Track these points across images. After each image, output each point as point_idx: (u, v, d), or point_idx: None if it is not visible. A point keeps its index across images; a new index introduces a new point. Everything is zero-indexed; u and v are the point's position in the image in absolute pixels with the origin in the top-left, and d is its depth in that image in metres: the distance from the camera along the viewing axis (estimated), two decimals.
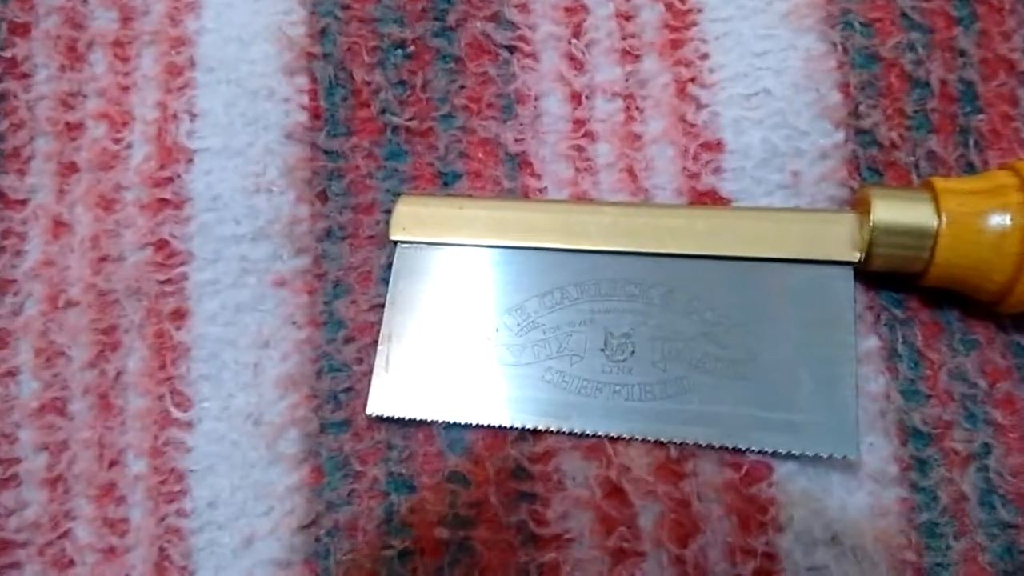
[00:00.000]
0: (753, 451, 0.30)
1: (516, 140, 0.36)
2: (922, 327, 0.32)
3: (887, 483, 0.31)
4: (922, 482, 0.31)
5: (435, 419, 0.32)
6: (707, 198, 0.34)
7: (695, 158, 0.35)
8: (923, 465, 0.31)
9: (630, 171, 0.36)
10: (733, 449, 0.30)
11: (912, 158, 0.34)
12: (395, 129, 0.36)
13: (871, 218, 0.30)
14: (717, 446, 0.30)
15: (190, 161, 0.37)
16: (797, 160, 0.34)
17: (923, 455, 0.31)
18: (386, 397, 0.33)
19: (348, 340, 0.34)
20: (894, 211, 0.30)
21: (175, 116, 0.37)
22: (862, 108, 0.34)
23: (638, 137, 0.36)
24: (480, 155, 0.36)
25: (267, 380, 0.34)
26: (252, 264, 0.35)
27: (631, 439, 0.31)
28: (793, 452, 0.30)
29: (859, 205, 0.32)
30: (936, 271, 0.30)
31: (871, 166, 0.34)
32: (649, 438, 0.31)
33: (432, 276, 0.34)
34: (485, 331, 0.33)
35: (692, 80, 0.36)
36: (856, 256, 0.31)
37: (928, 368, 0.32)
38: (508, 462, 0.32)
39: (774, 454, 0.30)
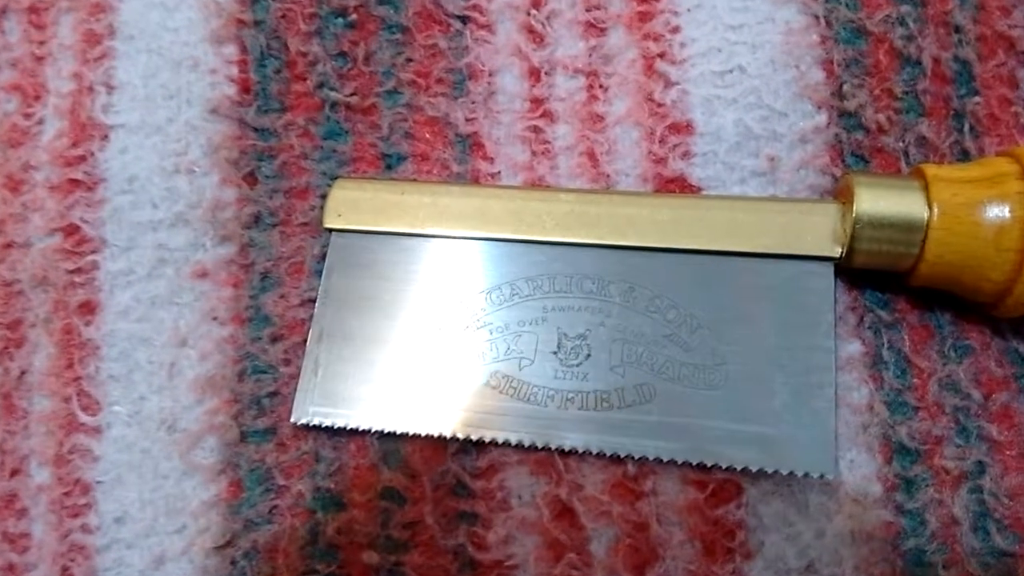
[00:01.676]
0: (720, 468, 0.27)
1: (467, 120, 0.33)
2: (910, 331, 0.30)
3: (869, 505, 0.28)
4: (908, 504, 0.28)
5: (368, 428, 0.29)
6: (674, 185, 0.32)
7: (662, 141, 0.32)
8: (910, 485, 0.28)
9: (591, 155, 0.33)
10: (698, 466, 0.28)
11: (901, 144, 0.32)
12: (333, 105, 0.33)
13: (854, 209, 0.28)
14: (680, 462, 0.28)
15: (105, 138, 0.34)
16: (774, 144, 0.32)
17: (910, 474, 0.28)
18: (314, 403, 0.30)
19: (275, 339, 0.31)
20: (880, 201, 0.28)
21: (91, 89, 0.34)
22: (846, 88, 0.32)
23: (601, 118, 0.33)
24: (427, 135, 0.33)
25: (183, 382, 0.31)
26: (170, 253, 0.32)
27: (584, 453, 0.28)
28: (765, 469, 0.27)
29: (842, 194, 0.29)
30: (926, 268, 0.28)
31: (856, 152, 0.32)
32: (604, 452, 0.28)
33: (369, 269, 0.31)
34: (426, 330, 0.30)
35: (661, 56, 0.33)
36: (837, 251, 0.28)
37: (916, 377, 0.29)
38: (448, 477, 0.29)
39: (744, 472, 0.27)
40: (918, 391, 0.29)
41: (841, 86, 0.32)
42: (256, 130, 0.33)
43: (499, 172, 0.33)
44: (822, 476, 0.27)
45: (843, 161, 0.32)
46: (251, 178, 0.33)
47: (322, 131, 0.33)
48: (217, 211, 0.33)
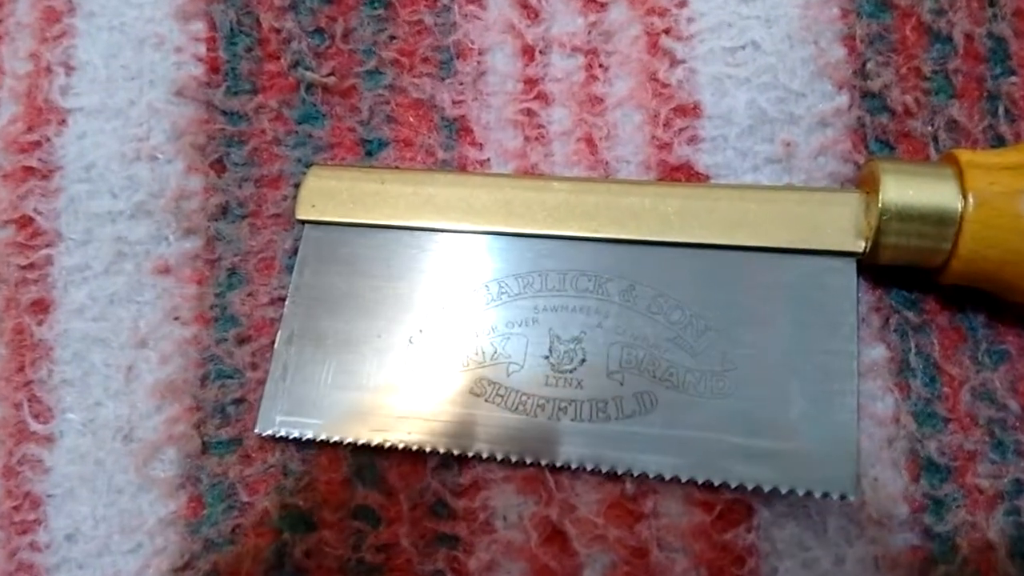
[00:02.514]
0: (729, 487, 0.25)
1: (455, 102, 0.31)
2: (940, 334, 0.28)
3: (895, 528, 0.26)
4: (938, 527, 0.26)
5: (340, 440, 0.27)
6: (680, 173, 0.29)
7: (667, 125, 0.30)
8: (939, 506, 0.26)
9: (589, 141, 0.30)
10: (704, 484, 0.25)
11: (930, 128, 0.29)
12: (309, 87, 0.31)
13: (880, 199, 0.25)
14: (684, 480, 0.25)
15: (62, 123, 0.31)
16: (790, 128, 0.29)
17: (940, 493, 0.26)
18: (282, 412, 0.27)
19: (242, 340, 0.29)
20: (908, 190, 0.26)
21: (49, 70, 0.32)
22: (870, 66, 0.30)
23: (600, 100, 0.31)
24: (411, 120, 0.31)
25: (142, 387, 0.29)
26: (130, 247, 0.30)
27: (578, 469, 0.26)
28: (779, 488, 0.25)
29: (865, 183, 0.27)
30: (959, 265, 0.25)
31: (880, 137, 0.29)
32: (600, 468, 0.26)
33: (345, 264, 0.29)
34: (406, 332, 0.28)
35: (666, 32, 0.31)
36: (860, 245, 0.26)
37: (947, 385, 0.27)
38: (427, 495, 0.27)
39: (755, 491, 0.25)
40: (949, 401, 0.27)
41: (864, 64, 0.30)
42: (225, 113, 0.31)
43: (488, 159, 0.31)
44: (843, 496, 0.25)
45: (866, 147, 0.29)
46: (219, 165, 0.31)
47: (296, 115, 0.31)
48: (181, 201, 0.30)
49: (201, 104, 0.31)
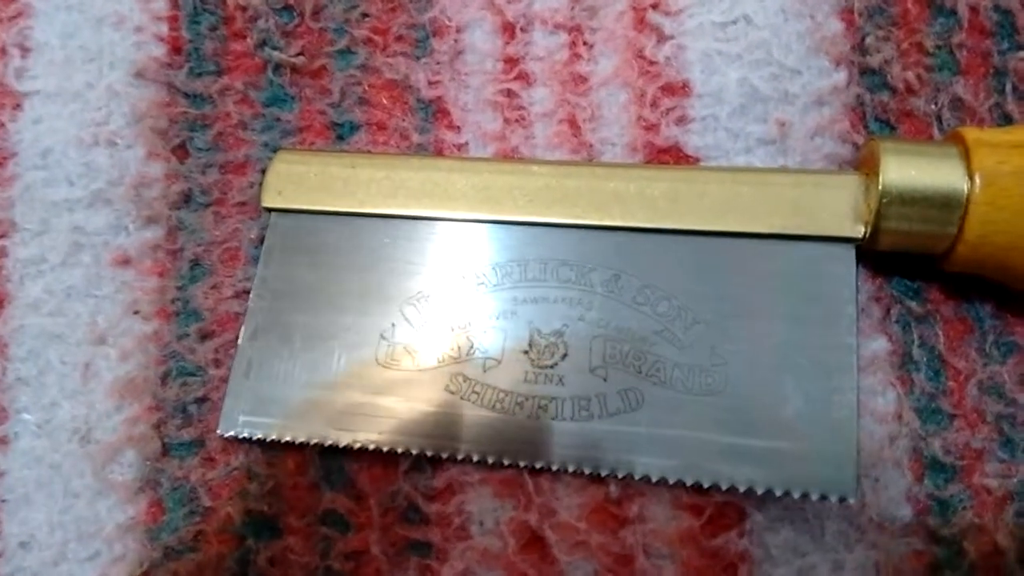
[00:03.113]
0: (720, 489, 0.24)
1: (431, 83, 0.30)
2: (944, 325, 0.26)
3: (897, 532, 0.25)
4: (943, 530, 0.25)
5: (307, 441, 0.25)
6: (668, 156, 0.28)
7: (654, 105, 0.28)
8: (945, 508, 0.25)
9: (572, 122, 0.29)
10: (693, 486, 0.24)
11: (933, 106, 0.28)
12: (277, 68, 0.30)
13: (880, 180, 0.24)
14: (672, 482, 0.24)
15: (17, 107, 0.30)
16: (784, 107, 0.28)
17: (945, 494, 0.25)
18: (246, 411, 0.26)
19: (205, 336, 0.28)
20: (911, 170, 0.24)
21: (3, 51, 0.31)
22: (869, 41, 0.28)
23: (584, 79, 0.29)
24: (384, 101, 0.30)
25: (100, 386, 0.28)
26: (87, 237, 0.29)
27: (559, 471, 0.25)
28: (773, 491, 0.23)
29: (865, 164, 0.26)
30: (965, 251, 0.24)
31: (880, 116, 0.28)
32: (583, 470, 0.24)
33: (313, 254, 0.27)
34: (377, 327, 0.26)
35: (653, 6, 0.30)
36: (860, 230, 0.25)
37: (952, 379, 0.26)
38: (398, 499, 0.26)
39: (748, 493, 0.24)
40: (954, 396, 0.26)
41: (863, 39, 0.28)
42: (188, 96, 0.30)
43: (466, 143, 0.29)
44: (842, 498, 0.23)
45: (865, 127, 0.28)
46: (181, 151, 0.29)
47: (263, 97, 0.30)
48: (141, 189, 0.29)
49: (163, 86, 0.30)
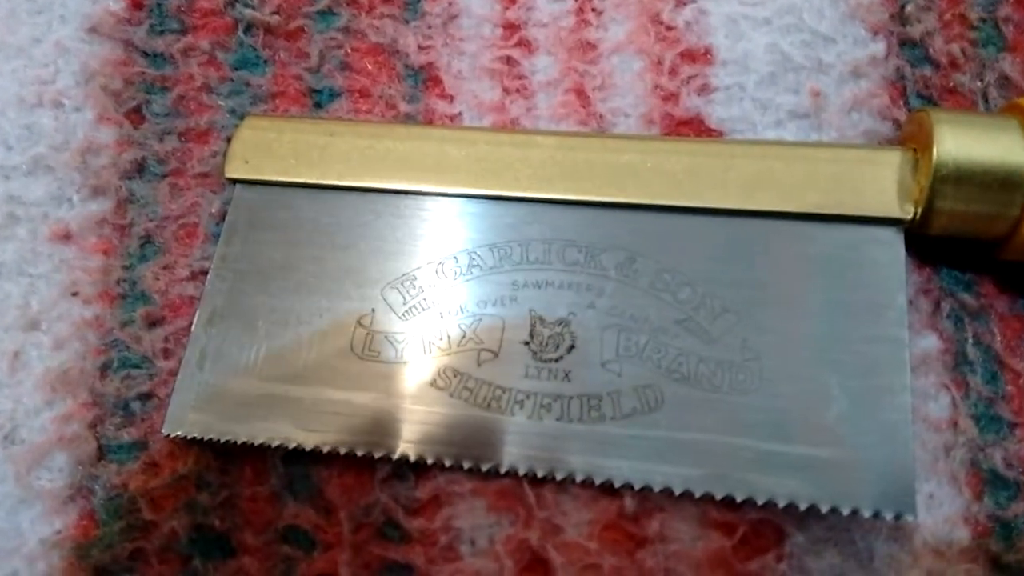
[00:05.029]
0: (754, 504, 0.20)
1: (421, 48, 0.27)
2: (1000, 322, 0.24)
3: (954, 558, 0.21)
4: (1007, 555, 0.21)
5: (268, 444, 0.22)
6: (688, 128, 0.25)
7: (672, 73, 0.26)
8: (1008, 529, 0.22)
9: (580, 92, 0.26)
10: (723, 501, 0.21)
11: (979, 83, 0.26)
12: (249, 27, 0.27)
13: (933, 154, 0.22)
14: (698, 495, 0.21)
15: None
16: (818, 77, 0.26)
17: (1007, 513, 0.22)
18: (197, 408, 0.22)
19: (153, 322, 0.25)
20: (967, 144, 0.22)
21: None
22: (910, 9, 0.26)
23: (593, 46, 0.27)
24: (369, 67, 0.27)
25: (29, 378, 0.24)
26: (24, 208, 0.26)
27: (564, 481, 0.21)
28: (817, 506, 0.20)
29: (911, 139, 0.23)
30: None
31: (922, 92, 0.26)
32: (592, 480, 0.21)
33: (282, 231, 0.24)
34: (354, 313, 0.23)
35: None
36: (909, 211, 0.22)
37: (1011, 383, 0.23)
38: (373, 513, 0.22)
39: (787, 510, 0.20)
40: (1014, 401, 0.23)
41: (903, 7, 0.27)
42: (147, 55, 0.27)
43: (460, 114, 0.27)
44: (898, 516, 0.20)
45: (906, 102, 0.26)
46: (136, 115, 0.27)
47: (233, 59, 0.27)
48: (89, 156, 0.26)
49: (119, 43, 0.27)
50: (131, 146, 0.26)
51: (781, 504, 0.20)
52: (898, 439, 0.20)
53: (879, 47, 0.25)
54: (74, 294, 0.25)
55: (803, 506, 0.20)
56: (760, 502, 0.20)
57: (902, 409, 0.21)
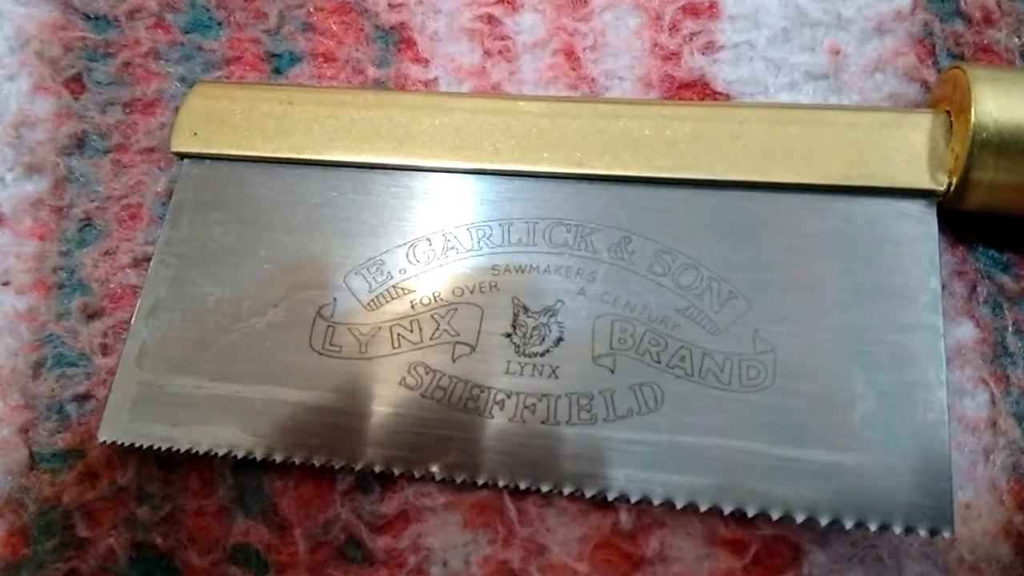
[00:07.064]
0: (768, 518, 0.18)
1: (392, 6, 0.25)
2: None
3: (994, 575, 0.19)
4: None
5: (216, 452, 0.20)
6: (692, 92, 0.23)
7: (673, 29, 0.24)
8: None
9: (569, 53, 0.24)
10: (732, 515, 0.19)
11: (1016, 40, 0.23)
12: None
13: (971, 117, 0.19)
14: (704, 508, 0.19)
15: None
16: (837, 33, 0.23)
17: None
18: (137, 413, 0.20)
19: (92, 315, 0.23)
20: (1010, 105, 0.19)
21: None
22: None
23: (583, 2, 0.24)
24: (334, 27, 0.25)
25: None
26: None
27: (550, 493, 0.19)
28: (840, 520, 0.18)
29: (945, 99, 0.21)
30: None
31: (953, 50, 0.24)
32: (583, 491, 0.19)
33: (235, 210, 0.22)
34: (314, 302, 0.21)
35: None
36: (942, 182, 0.20)
37: None
38: (333, 531, 0.20)
39: (806, 524, 0.18)
40: None
41: None
42: (88, 18, 0.25)
43: (436, 78, 0.25)
44: (934, 531, 0.18)
45: (935, 61, 0.24)
46: (76, 84, 0.25)
47: (183, 21, 0.26)
48: (23, 130, 0.24)
49: (56, 5, 0.26)
50: (70, 119, 0.24)
51: (799, 518, 0.18)
52: (933, 442, 0.18)
53: (905, 0, 0.23)
54: (5, 283, 0.23)
55: (824, 520, 0.18)
56: (775, 516, 0.18)
57: (937, 408, 0.18)
